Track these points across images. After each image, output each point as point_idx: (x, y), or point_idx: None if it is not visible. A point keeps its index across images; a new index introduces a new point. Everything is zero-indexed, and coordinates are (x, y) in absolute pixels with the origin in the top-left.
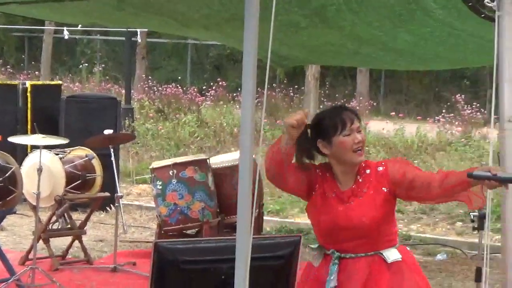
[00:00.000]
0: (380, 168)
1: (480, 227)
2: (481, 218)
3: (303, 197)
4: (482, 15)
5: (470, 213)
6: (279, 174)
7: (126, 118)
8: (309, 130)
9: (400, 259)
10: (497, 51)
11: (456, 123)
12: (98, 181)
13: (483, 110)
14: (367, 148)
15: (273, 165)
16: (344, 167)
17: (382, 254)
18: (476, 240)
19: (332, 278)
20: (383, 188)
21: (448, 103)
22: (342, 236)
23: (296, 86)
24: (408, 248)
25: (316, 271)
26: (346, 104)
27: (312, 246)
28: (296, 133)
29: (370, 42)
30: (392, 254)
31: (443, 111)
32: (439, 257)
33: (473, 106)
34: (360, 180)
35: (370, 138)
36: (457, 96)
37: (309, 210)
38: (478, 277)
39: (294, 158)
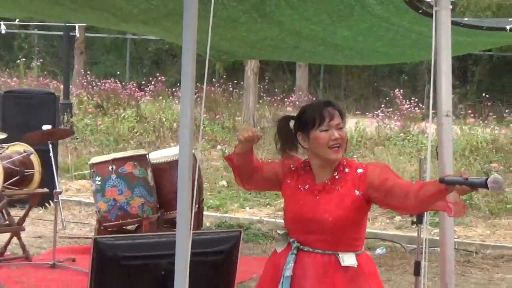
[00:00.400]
0: (360, 170)
1: (419, 221)
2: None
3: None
4: (420, 11)
5: None
6: (247, 179)
7: (65, 113)
8: (291, 122)
9: (355, 266)
10: (435, 46)
11: (395, 117)
12: (37, 177)
13: (421, 105)
14: None
15: (237, 173)
16: (320, 162)
17: (338, 255)
18: (415, 234)
19: (288, 267)
20: (355, 191)
21: (387, 98)
22: (304, 228)
23: (235, 81)
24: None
25: (278, 257)
26: (332, 100)
27: (279, 231)
28: (247, 146)
29: (309, 37)
30: (348, 258)
31: (382, 106)
32: (378, 251)
33: (412, 101)
34: (336, 177)
35: None
36: (395, 91)
37: (285, 201)
38: (417, 271)
39: (278, 151)
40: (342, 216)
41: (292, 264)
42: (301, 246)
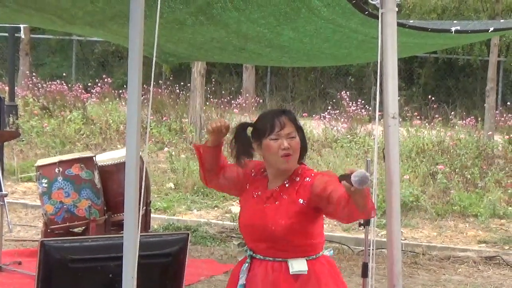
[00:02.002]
0: (307, 179)
1: (366, 223)
2: None
3: (239, 196)
4: (366, 12)
5: None
6: (210, 176)
7: (10, 115)
8: (248, 129)
9: (305, 273)
10: (381, 48)
11: (342, 119)
12: None
13: (367, 107)
14: None
15: (201, 166)
16: (274, 170)
17: (288, 262)
18: (362, 236)
19: (242, 276)
20: (299, 200)
21: (334, 100)
22: (255, 236)
23: (182, 83)
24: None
25: (239, 265)
26: (288, 110)
27: (235, 242)
28: (216, 138)
29: (256, 39)
30: (297, 265)
31: (329, 107)
32: (326, 253)
33: (358, 103)
34: (287, 185)
35: None
36: (342, 93)
37: (241, 210)
38: (364, 273)
39: (233, 157)
40: (286, 225)
41: (246, 273)
42: (254, 254)
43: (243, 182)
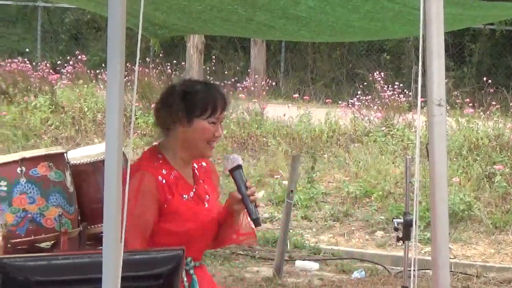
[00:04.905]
0: (204, 164)
1: (406, 237)
2: (407, 226)
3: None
4: None
5: (394, 220)
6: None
7: None
8: (177, 90)
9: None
10: (424, 20)
11: (375, 107)
12: None
13: (407, 92)
14: (264, 139)
15: None
16: (186, 155)
17: (205, 264)
18: (401, 254)
19: None
20: (216, 186)
21: (364, 83)
22: (202, 243)
23: (174, 61)
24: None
25: None
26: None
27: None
28: None
29: (267, 7)
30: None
31: (359, 92)
32: (356, 274)
33: (395, 87)
34: (197, 174)
35: (268, 126)
36: (375, 74)
37: (165, 222)
38: None
39: (157, 123)
40: (218, 220)
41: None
42: (197, 263)
43: (162, 199)
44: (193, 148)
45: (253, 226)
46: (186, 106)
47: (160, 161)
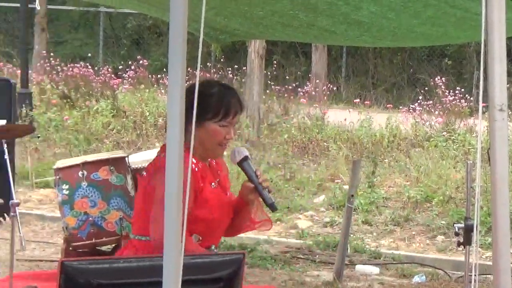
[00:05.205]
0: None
1: (467, 242)
2: (468, 230)
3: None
4: None
5: (455, 225)
6: None
7: (23, 105)
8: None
9: None
10: (485, 25)
11: (436, 112)
12: None
13: (468, 97)
14: (325, 144)
15: None
16: (203, 153)
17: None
18: (462, 258)
19: None
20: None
21: (426, 88)
22: (222, 229)
23: (236, 66)
24: (377, 268)
25: None
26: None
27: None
28: None
29: (328, 12)
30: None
31: (420, 97)
32: (416, 279)
33: (457, 92)
34: (215, 166)
35: (329, 131)
36: (436, 79)
37: (199, 209)
38: None
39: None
40: None
41: None
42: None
43: (198, 187)
44: (204, 148)
45: (271, 211)
46: (199, 108)
47: (188, 151)
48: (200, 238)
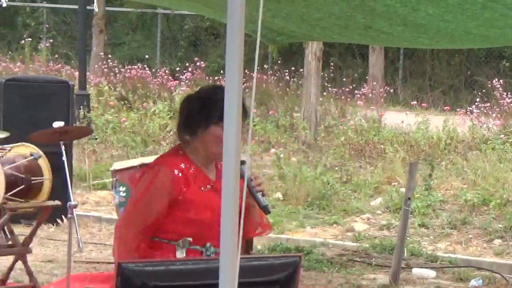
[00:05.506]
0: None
1: None
2: None
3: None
4: None
5: None
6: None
7: (81, 107)
8: (195, 101)
9: None
10: None
11: (494, 114)
12: (46, 186)
13: None
14: (382, 146)
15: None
16: (205, 157)
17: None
18: None
19: None
20: None
21: (483, 90)
22: (218, 228)
23: (293, 68)
24: (434, 272)
25: None
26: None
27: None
28: None
29: (385, 14)
30: None
31: (477, 99)
32: (473, 283)
33: None
34: (220, 171)
35: (385, 133)
36: (494, 81)
37: (182, 211)
38: None
39: (176, 133)
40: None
41: None
42: (218, 250)
43: (175, 191)
44: (209, 152)
45: (264, 214)
46: (205, 112)
47: (180, 157)
48: (191, 239)
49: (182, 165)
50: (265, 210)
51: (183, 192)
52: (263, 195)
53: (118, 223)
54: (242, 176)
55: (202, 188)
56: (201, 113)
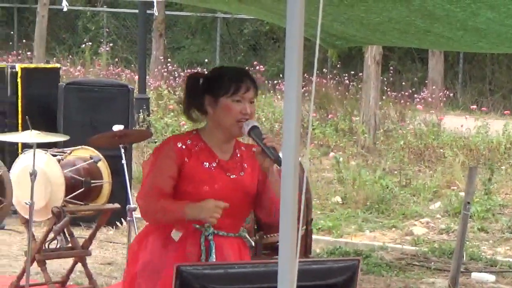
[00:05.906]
0: (255, 149)
1: None
2: None
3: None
4: None
5: None
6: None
7: (140, 110)
8: (201, 81)
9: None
10: None
11: None
12: (106, 189)
13: None
14: (441, 150)
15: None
16: (221, 135)
17: (245, 236)
18: None
19: (211, 254)
20: (257, 172)
21: None
22: (223, 210)
23: (352, 72)
24: (493, 276)
25: (179, 247)
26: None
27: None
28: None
29: (445, 19)
30: (248, 239)
31: None
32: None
33: None
34: (238, 155)
35: (445, 137)
36: None
37: (182, 184)
38: None
39: (184, 113)
40: (254, 197)
41: (214, 251)
42: (216, 231)
43: (180, 161)
44: (222, 127)
45: (278, 166)
46: (212, 88)
47: (191, 135)
48: None
49: (188, 141)
50: (278, 162)
51: (185, 163)
52: (274, 150)
53: (137, 194)
54: (255, 140)
55: (205, 164)
56: (208, 90)
